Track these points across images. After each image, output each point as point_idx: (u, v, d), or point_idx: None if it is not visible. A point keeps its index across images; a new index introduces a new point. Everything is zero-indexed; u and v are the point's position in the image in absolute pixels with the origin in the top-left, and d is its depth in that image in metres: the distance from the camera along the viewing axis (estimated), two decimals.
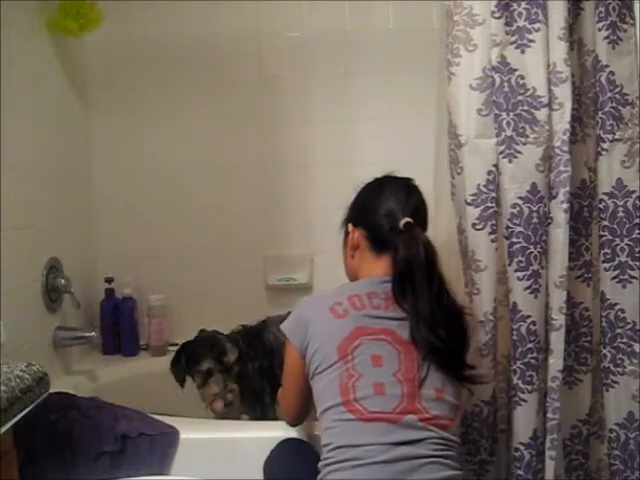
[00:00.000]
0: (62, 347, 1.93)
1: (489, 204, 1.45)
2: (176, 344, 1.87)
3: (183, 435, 1.52)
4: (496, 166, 1.44)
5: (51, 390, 1.18)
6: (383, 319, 1.27)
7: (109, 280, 2.20)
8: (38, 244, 1.85)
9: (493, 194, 1.45)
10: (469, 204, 1.45)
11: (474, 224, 1.45)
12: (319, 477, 1.21)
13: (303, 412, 1.41)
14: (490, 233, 1.45)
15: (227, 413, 1.70)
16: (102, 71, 2.26)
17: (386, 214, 1.37)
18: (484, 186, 1.45)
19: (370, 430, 1.18)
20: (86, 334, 1.98)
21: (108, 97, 2.27)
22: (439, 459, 1.20)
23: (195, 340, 1.69)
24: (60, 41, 2.01)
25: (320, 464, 1.23)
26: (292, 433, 1.44)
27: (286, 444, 1.39)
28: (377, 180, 1.46)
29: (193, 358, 1.64)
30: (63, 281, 1.92)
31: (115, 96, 2.27)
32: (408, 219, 1.34)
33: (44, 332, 1.87)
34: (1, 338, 1.56)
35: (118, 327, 2.19)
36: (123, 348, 2.19)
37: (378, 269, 1.37)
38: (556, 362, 1.45)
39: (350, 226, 1.43)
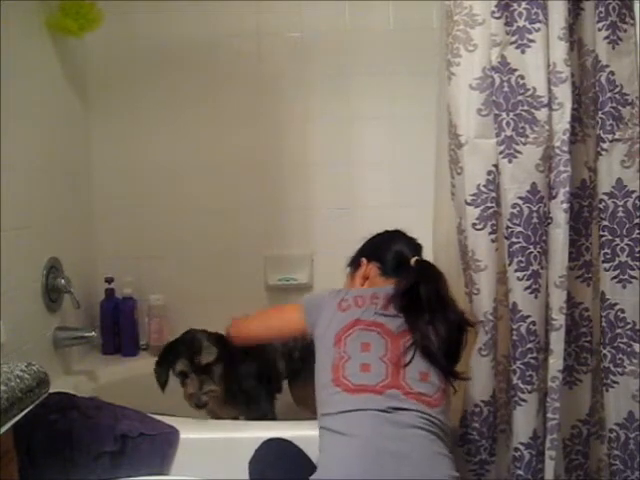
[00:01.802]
0: (62, 347, 1.93)
1: (489, 204, 1.45)
2: None
3: (183, 435, 1.52)
4: (496, 166, 1.44)
5: (51, 390, 1.18)
6: (377, 315, 1.42)
7: (109, 280, 2.20)
8: (38, 244, 1.85)
9: (493, 194, 1.45)
10: (469, 204, 1.45)
11: (474, 224, 1.45)
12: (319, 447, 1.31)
13: (249, 341, 1.67)
14: (490, 233, 1.45)
15: (209, 413, 1.69)
16: (102, 71, 2.26)
17: (398, 252, 1.59)
18: (484, 186, 1.45)
19: (355, 399, 1.30)
20: (86, 334, 1.98)
21: (108, 97, 2.26)
22: (425, 432, 1.26)
23: (175, 340, 1.68)
24: (60, 41, 2.01)
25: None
26: (287, 434, 1.44)
27: (270, 444, 1.41)
28: (388, 231, 1.66)
29: (171, 359, 1.63)
30: (63, 281, 1.92)
31: (115, 96, 2.27)
32: (418, 257, 1.56)
33: (44, 332, 1.87)
34: (1, 338, 1.56)
35: (118, 327, 2.19)
36: (123, 348, 2.19)
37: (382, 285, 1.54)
38: (556, 362, 1.46)
39: (364, 260, 1.62)
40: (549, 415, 1.47)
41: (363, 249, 1.66)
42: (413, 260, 1.54)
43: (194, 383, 1.57)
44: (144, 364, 2.13)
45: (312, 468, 1.30)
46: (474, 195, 1.45)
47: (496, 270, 1.47)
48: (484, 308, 1.47)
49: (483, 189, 1.45)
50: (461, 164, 1.46)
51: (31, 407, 1.09)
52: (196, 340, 1.63)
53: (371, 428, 1.26)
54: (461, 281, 1.54)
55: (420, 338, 1.37)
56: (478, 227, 1.45)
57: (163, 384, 1.63)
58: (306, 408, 1.70)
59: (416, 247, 1.62)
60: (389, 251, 1.60)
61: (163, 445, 1.49)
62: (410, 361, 1.34)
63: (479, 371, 1.48)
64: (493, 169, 1.45)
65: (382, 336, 1.38)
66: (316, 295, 1.60)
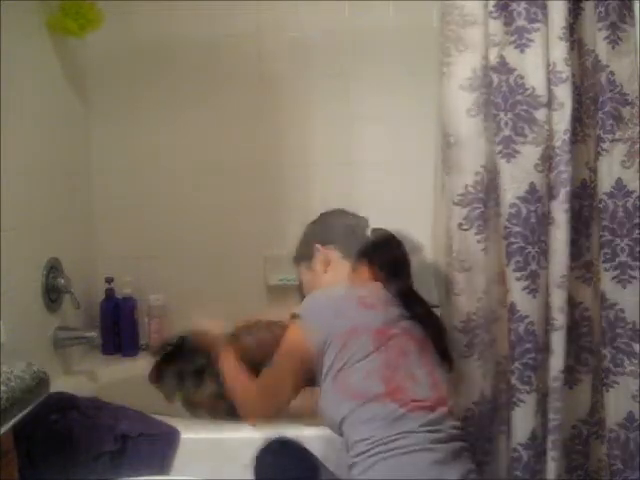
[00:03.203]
0: (62, 347, 1.93)
1: (487, 204, 1.45)
2: None
3: (183, 435, 1.52)
4: (493, 166, 1.44)
5: (51, 390, 1.18)
6: (397, 318, 1.34)
7: (109, 280, 2.20)
8: (38, 244, 1.86)
9: (490, 194, 1.45)
10: (466, 204, 1.45)
11: (471, 224, 1.45)
12: (358, 473, 1.21)
13: (280, 408, 1.42)
14: (488, 233, 1.45)
15: (209, 415, 1.68)
16: (102, 71, 2.26)
17: (352, 226, 1.52)
18: (480, 186, 1.45)
19: (412, 418, 1.23)
20: (86, 334, 1.98)
21: (108, 97, 2.26)
22: (465, 446, 1.27)
23: (170, 343, 1.68)
24: (60, 41, 2.01)
25: (357, 458, 1.23)
26: (289, 433, 1.44)
27: (274, 442, 1.39)
28: (329, 211, 1.61)
29: (169, 361, 1.64)
30: (63, 281, 1.92)
31: (115, 96, 2.27)
32: (374, 227, 1.49)
33: (44, 332, 1.88)
34: (1, 338, 1.56)
35: (118, 327, 2.19)
36: (123, 348, 2.19)
37: (359, 279, 1.45)
38: (557, 362, 1.45)
39: (319, 247, 1.51)
40: (551, 416, 1.47)
41: (309, 236, 1.56)
42: (369, 230, 1.48)
43: (188, 388, 1.57)
44: (144, 364, 2.13)
45: (316, 467, 1.30)
46: (472, 195, 1.45)
47: (494, 270, 1.47)
48: (482, 308, 1.47)
49: (479, 189, 1.44)
50: (456, 164, 1.46)
51: (31, 407, 1.09)
52: (185, 344, 1.62)
53: (427, 447, 1.21)
54: (460, 281, 1.54)
55: (437, 338, 1.35)
56: (474, 227, 1.45)
57: (154, 380, 1.63)
58: (307, 407, 1.70)
59: (364, 220, 1.54)
60: (342, 228, 1.51)
61: (163, 445, 1.50)
62: (433, 365, 1.32)
63: (467, 372, 1.48)
64: (490, 169, 1.44)
65: (413, 342, 1.32)
66: (314, 311, 1.38)
